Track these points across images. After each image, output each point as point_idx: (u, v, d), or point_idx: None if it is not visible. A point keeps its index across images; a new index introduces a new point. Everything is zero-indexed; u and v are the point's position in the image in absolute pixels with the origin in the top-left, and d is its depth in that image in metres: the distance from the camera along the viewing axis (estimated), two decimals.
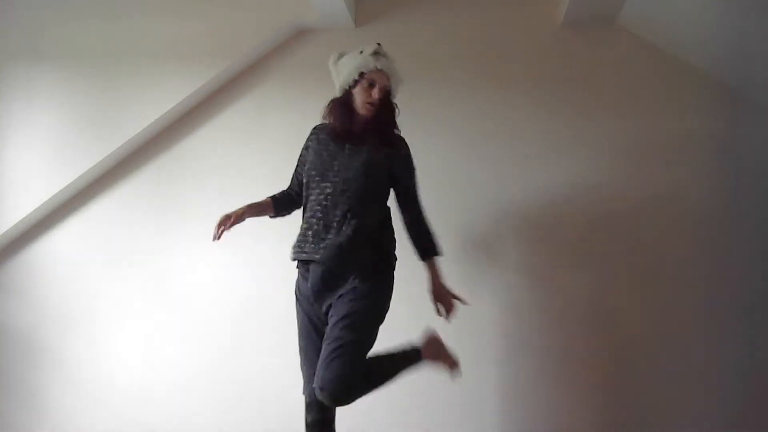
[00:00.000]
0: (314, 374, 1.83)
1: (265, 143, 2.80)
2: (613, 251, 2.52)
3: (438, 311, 2.04)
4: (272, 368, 2.67)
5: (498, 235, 2.55)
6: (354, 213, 1.88)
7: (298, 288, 2.06)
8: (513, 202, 2.58)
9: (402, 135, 2.08)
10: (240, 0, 2.75)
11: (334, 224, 1.89)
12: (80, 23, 2.86)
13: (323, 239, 1.90)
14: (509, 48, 2.68)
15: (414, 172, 2.06)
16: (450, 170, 2.63)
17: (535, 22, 2.68)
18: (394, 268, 2.01)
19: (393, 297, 1.98)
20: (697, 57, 2.52)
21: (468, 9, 2.74)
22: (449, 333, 2.59)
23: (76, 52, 2.86)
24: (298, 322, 2.06)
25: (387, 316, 1.96)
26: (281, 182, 2.76)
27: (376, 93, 1.97)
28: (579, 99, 2.60)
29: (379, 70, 1.98)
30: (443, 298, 2.03)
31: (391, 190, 2.05)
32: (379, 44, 2.05)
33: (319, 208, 1.94)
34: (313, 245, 1.93)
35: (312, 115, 2.78)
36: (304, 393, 1.98)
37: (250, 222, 2.76)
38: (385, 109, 2.00)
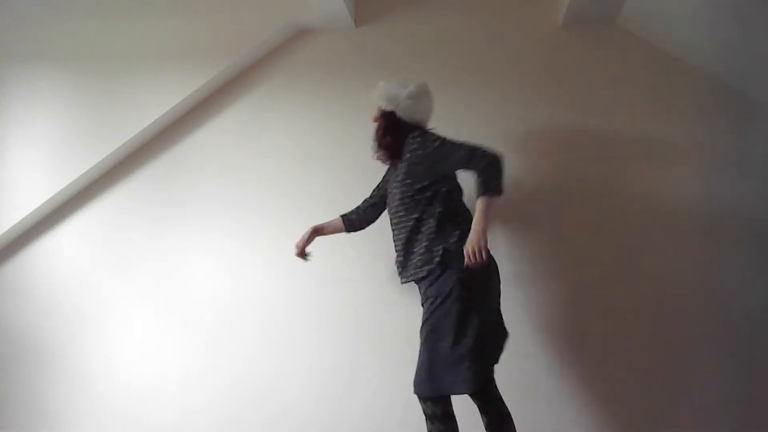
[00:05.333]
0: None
1: (265, 143, 2.80)
2: (612, 250, 2.52)
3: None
4: (273, 367, 2.67)
5: (498, 234, 2.55)
6: (409, 242, 2.09)
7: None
8: (513, 202, 2.57)
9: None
10: (240, 0, 2.76)
11: (402, 257, 2.13)
12: (80, 23, 2.86)
13: (402, 269, 2.14)
14: (509, 48, 2.68)
15: (435, 147, 2.06)
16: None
17: (535, 22, 2.68)
18: (458, 256, 1.99)
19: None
20: (697, 57, 2.52)
21: (468, 9, 2.74)
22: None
23: (76, 52, 2.86)
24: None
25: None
26: (281, 182, 2.78)
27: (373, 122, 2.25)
28: (579, 99, 2.60)
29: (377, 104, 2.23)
30: (469, 244, 1.95)
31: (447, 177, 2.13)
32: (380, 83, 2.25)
33: (395, 242, 2.18)
34: (401, 273, 2.15)
35: (312, 114, 2.80)
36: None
37: (251, 223, 2.77)
38: (380, 128, 2.22)
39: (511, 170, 2.61)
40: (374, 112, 2.25)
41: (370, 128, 2.68)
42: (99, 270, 2.85)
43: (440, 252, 2.00)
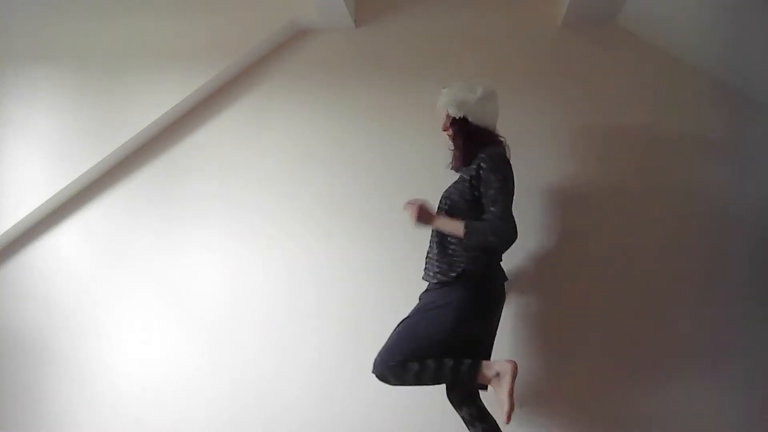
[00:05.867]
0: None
1: (265, 143, 2.80)
2: (612, 250, 2.52)
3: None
4: (273, 367, 2.67)
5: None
6: (441, 244, 2.09)
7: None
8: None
9: (494, 148, 2.12)
10: (240, 0, 2.76)
11: (432, 254, 2.15)
12: (80, 23, 2.86)
13: (429, 266, 2.17)
14: (509, 48, 2.68)
15: (478, 179, 2.03)
16: (449, 170, 2.62)
17: (535, 22, 2.68)
18: (473, 278, 2.02)
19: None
20: (697, 57, 2.52)
21: (468, 9, 2.74)
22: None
23: (76, 52, 2.86)
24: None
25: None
26: (281, 182, 2.78)
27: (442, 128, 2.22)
28: (579, 98, 2.60)
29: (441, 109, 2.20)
30: (416, 209, 2.07)
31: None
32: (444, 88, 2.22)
33: (431, 237, 2.19)
34: (427, 269, 2.17)
35: (312, 114, 2.80)
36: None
37: (251, 223, 2.77)
38: (456, 136, 2.17)
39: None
40: (442, 120, 2.19)
41: (370, 128, 2.70)
42: (99, 270, 2.85)
43: (461, 269, 1.99)
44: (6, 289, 2.89)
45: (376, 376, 2.01)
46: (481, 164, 2.02)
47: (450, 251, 2.05)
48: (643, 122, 2.56)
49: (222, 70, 2.75)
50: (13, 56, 2.90)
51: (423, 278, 2.16)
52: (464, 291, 1.98)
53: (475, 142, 2.11)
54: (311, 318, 2.66)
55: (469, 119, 2.12)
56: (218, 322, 2.74)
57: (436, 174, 2.50)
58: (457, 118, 2.13)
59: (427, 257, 2.17)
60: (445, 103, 2.15)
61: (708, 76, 2.53)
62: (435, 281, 2.06)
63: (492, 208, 1.96)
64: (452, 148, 2.22)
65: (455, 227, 2.00)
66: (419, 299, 2.16)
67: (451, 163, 2.26)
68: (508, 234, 1.94)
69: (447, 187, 2.18)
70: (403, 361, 1.93)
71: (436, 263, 2.07)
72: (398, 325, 2.07)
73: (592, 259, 2.53)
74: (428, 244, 2.19)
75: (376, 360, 2.01)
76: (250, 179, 2.79)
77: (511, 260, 2.53)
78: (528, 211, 2.56)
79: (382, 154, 2.70)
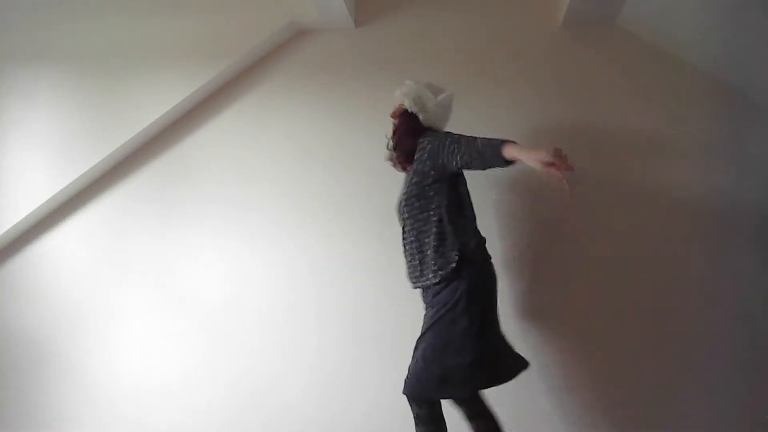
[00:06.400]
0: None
1: (265, 143, 2.80)
2: (612, 250, 2.52)
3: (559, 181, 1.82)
4: (273, 367, 2.67)
5: (498, 234, 2.55)
6: (421, 245, 2.04)
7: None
8: (513, 202, 2.58)
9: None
10: (240, 0, 2.76)
11: (416, 260, 2.08)
12: (80, 23, 2.86)
13: (420, 273, 2.08)
14: (509, 48, 2.68)
15: (443, 136, 2.02)
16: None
17: (535, 22, 2.67)
18: (472, 264, 1.99)
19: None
20: (697, 57, 2.52)
21: (468, 9, 2.73)
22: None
23: (76, 52, 2.86)
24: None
25: None
26: (281, 182, 2.78)
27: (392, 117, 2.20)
28: (578, 98, 2.60)
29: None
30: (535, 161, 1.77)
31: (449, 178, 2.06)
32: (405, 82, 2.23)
33: (406, 248, 2.14)
34: (418, 277, 2.10)
35: (312, 114, 2.80)
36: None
37: (251, 223, 2.77)
38: (400, 128, 2.17)
39: (511, 169, 2.61)
40: (395, 107, 2.20)
41: (370, 128, 2.69)
42: (99, 270, 2.85)
43: (456, 255, 1.95)
44: (6, 288, 2.89)
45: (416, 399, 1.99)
46: (424, 144, 2.04)
47: (432, 248, 2.00)
48: (643, 122, 2.56)
49: (222, 70, 2.75)
50: (13, 56, 2.91)
51: (415, 286, 2.10)
52: (470, 278, 1.95)
53: (415, 140, 2.11)
54: (311, 318, 2.66)
55: (420, 118, 2.13)
56: (218, 321, 2.74)
57: None
58: (410, 112, 2.14)
59: (410, 266, 2.10)
60: (405, 94, 2.16)
61: (708, 76, 2.53)
62: (437, 279, 1.99)
63: (468, 150, 1.90)
64: (394, 138, 2.20)
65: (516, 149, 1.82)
66: (426, 309, 2.09)
67: (393, 156, 2.23)
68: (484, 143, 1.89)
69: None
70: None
71: (430, 264, 2.00)
72: (422, 344, 1.99)
73: (591, 258, 2.53)
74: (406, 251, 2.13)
75: (414, 384, 1.96)
76: (250, 179, 2.79)
77: (510, 259, 2.54)
78: (527, 211, 2.57)
79: (382, 154, 2.69)
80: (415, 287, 2.11)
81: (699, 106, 2.53)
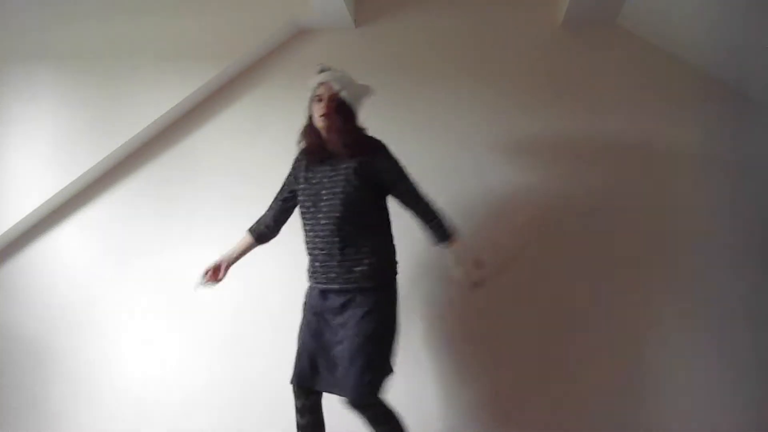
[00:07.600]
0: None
1: (265, 143, 2.80)
2: (612, 250, 2.52)
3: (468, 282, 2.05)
4: (273, 367, 2.66)
5: (498, 234, 2.55)
6: (348, 239, 2.00)
7: (310, 299, 2.15)
8: (513, 202, 2.58)
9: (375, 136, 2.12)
10: (240, 0, 2.76)
11: (336, 254, 2.01)
12: (80, 23, 2.86)
13: (330, 269, 2.03)
14: (509, 48, 2.68)
15: (400, 168, 2.07)
16: (449, 171, 2.63)
17: (535, 22, 2.68)
18: (396, 273, 2.11)
19: None
20: (697, 57, 2.52)
21: (468, 9, 2.74)
22: (442, 338, 2.59)
23: (76, 52, 2.86)
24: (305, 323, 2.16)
25: None
26: (281, 182, 2.77)
27: (323, 104, 2.03)
28: (579, 99, 2.61)
29: (322, 83, 2.05)
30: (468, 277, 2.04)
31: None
32: (322, 64, 2.13)
33: (318, 240, 2.06)
34: (324, 276, 2.05)
35: None
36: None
37: (252, 223, 2.77)
38: (341, 116, 2.04)
39: (511, 169, 2.62)
40: (323, 92, 2.03)
41: (369, 128, 2.68)
42: (99, 270, 2.85)
43: (374, 263, 2.00)
44: (6, 289, 2.89)
45: (356, 405, 1.99)
46: (384, 155, 2.06)
47: (354, 254, 2.00)
48: (643, 122, 2.56)
49: (222, 70, 2.75)
50: (13, 56, 2.90)
51: (321, 287, 2.06)
52: (387, 288, 2.06)
53: (353, 127, 2.07)
54: None
55: (347, 103, 2.05)
56: (218, 322, 2.74)
57: (436, 173, 2.51)
58: (340, 97, 2.03)
59: (324, 264, 2.04)
60: (336, 78, 2.04)
61: (708, 76, 2.53)
62: (354, 284, 1.99)
63: (423, 200, 2.05)
64: (322, 125, 2.04)
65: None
66: (320, 311, 2.09)
67: (309, 147, 2.12)
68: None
69: (326, 183, 2.06)
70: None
71: (350, 267, 2.00)
72: (340, 345, 2.02)
73: (590, 258, 2.53)
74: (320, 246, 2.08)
75: (352, 392, 1.96)
76: (250, 179, 2.79)
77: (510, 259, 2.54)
78: (526, 210, 2.57)
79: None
80: (322, 287, 2.08)
81: (699, 106, 2.53)
